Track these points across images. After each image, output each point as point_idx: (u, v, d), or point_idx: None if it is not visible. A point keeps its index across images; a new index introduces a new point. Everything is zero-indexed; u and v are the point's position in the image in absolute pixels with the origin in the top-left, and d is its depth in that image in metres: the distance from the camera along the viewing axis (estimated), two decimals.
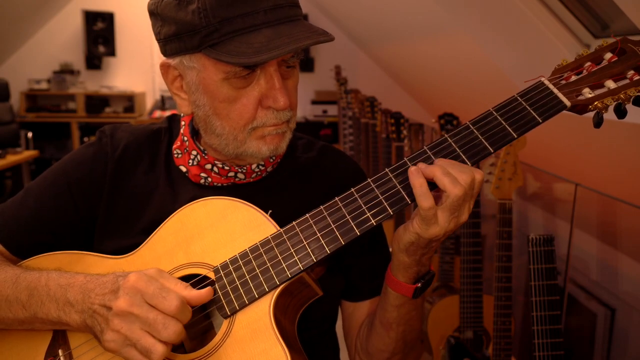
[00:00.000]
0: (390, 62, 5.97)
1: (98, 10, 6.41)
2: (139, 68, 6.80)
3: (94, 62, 6.64)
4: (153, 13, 0.91)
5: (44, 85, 6.46)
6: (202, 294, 0.82)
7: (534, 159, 2.94)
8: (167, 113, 6.72)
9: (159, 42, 0.92)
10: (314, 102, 6.76)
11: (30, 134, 6.19)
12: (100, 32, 6.41)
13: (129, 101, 6.64)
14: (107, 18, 6.41)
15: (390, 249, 0.92)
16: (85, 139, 6.39)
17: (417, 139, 2.76)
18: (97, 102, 6.50)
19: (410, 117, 3.19)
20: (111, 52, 6.48)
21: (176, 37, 0.87)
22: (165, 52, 0.92)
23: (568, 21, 2.35)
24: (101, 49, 6.45)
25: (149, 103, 6.90)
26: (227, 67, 0.86)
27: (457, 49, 3.28)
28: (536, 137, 2.31)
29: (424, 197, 0.80)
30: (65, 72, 6.52)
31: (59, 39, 6.60)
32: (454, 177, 0.79)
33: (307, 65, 6.81)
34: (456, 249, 2.54)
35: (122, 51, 6.64)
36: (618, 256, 2.63)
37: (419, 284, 0.89)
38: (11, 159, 4.86)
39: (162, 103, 6.64)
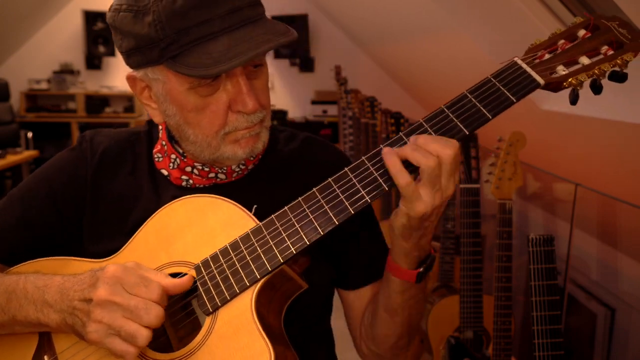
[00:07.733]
0: (390, 62, 5.97)
1: (98, 10, 6.40)
2: None
3: (94, 62, 6.63)
4: (112, 26, 0.89)
5: (44, 85, 6.46)
6: (182, 282, 0.83)
7: (534, 159, 2.94)
8: None
9: (122, 55, 0.91)
10: (314, 102, 6.75)
11: (30, 134, 6.19)
12: (100, 32, 6.41)
13: (129, 101, 6.64)
14: None
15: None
16: None
17: None
18: (97, 102, 6.50)
19: (410, 117, 3.19)
20: (111, 52, 6.48)
21: (137, 50, 0.86)
22: (129, 65, 0.91)
23: (568, 21, 2.35)
24: (101, 49, 6.45)
25: None
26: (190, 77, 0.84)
27: (456, 49, 3.28)
28: (536, 137, 2.31)
29: (399, 175, 0.80)
30: (65, 72, 6.52)
31: (59, 39, 6.60)
32: (425, 150, 0.79)
33: (307, 65, 6.80)
34: (456, 249, 2.54)
35: None
36: (618, 256, 2.63)
37: (421, 269, 0.90)
38: (11, 159, 4.87)
39: None
